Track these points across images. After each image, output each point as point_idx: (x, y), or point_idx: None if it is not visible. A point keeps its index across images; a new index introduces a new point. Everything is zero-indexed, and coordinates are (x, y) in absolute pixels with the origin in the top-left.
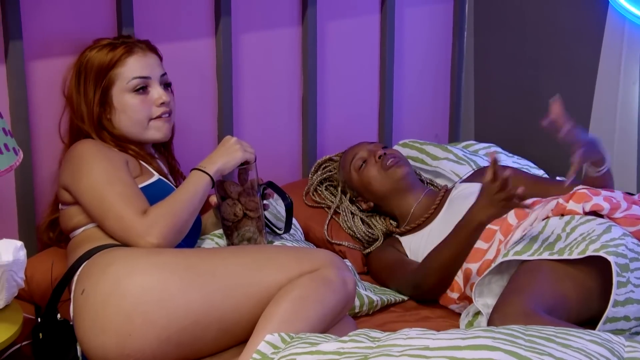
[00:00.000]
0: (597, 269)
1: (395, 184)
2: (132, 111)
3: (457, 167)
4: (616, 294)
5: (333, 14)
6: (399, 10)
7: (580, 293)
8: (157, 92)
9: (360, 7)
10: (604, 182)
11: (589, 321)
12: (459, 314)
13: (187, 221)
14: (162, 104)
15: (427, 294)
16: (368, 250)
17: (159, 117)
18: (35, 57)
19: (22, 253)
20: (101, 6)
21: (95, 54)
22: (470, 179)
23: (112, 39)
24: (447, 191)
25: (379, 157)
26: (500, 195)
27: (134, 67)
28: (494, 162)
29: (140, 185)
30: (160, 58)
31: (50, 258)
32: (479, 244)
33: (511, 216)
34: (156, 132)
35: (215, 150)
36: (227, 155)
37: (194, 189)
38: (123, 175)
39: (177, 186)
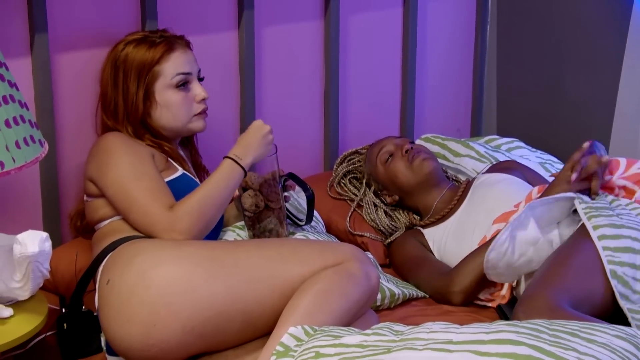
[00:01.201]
0: None
1: (421, 177)
2: (175, 108)
3: (479, 165)
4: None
5: (356, 8)
6: (421, 3)
7: (608, 289)
8: (197, 88)
9: (383, 0)
10: None
11: (615, 317)
12: (483, 308)
13: (214, 217)
14: (202, 100)
15: (455, 296)
16: (389, 240)
17: (199, 113)
18: (61, 50)
19: (48, 244)
20: None
21: (133, 49)
22: (489, 171)
23: (147, 32)
24: (469, 183)
25: (406, 152)
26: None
27: (177, 63)
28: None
29: (165, 180)
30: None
31: (75, 249)
32: (499, 225)
33: (534, 190)
34: (197, 124)
35: (251, 137)
36: (262, 147)
37: (225, 183)
38: (149, 169)
39: (200, 181)
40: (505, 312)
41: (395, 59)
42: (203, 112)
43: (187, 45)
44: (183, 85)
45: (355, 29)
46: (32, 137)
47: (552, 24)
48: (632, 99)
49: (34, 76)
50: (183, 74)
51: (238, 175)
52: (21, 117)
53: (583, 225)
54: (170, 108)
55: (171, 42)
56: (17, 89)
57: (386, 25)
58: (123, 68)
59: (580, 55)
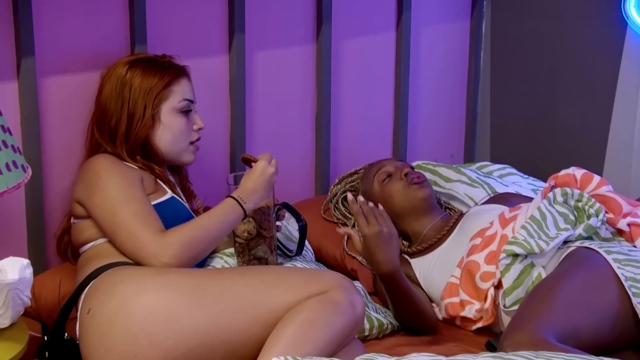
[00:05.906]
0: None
1: (415, 202)
2: (178, 131)
3: (471, 190)
4: None
5: (348, 32)
6: (414, 28)
7: (592, 323)
8: (197, 117)
9: (375, 25)
10: None
11: (603, 351)
12: (471, 339)
13: (205, 250)
14: (199, 129)
15: (414, 334)
16: None
17: (193, 142)
18: (48, 74)
19: (28, 271)
20: (114, 23)
21: (143, 69)
22: (486, 203)
23: (152, 55)
24: (461, 215)
25: (405, 174)
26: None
27: (186, 88)
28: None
29: (153, 203)
30: None
31: (59, 275)
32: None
33: (506, 210)
34: (189, 155)
35: (258, 183)
36: (266, 192)
37: (224, 220)
38: (137, 193)
39: (189, 206)
40: (494, 347)
41: (387, 84)
42: (196, 142)
43: (189, 76)
44: (186, 111)
45: (347, 53)
46: (14, 163)
47: (545, 50)
48: (625, 125)
49: (20, 100)
50: (189, 100)
51: (238, 216)
52: (3, 142)
53: (565, 258)
54: (172, 130)
55: (180, 68)
56: (1, 114)
57: (379, 50)
58: (131, 85)
59: (573, 82)
